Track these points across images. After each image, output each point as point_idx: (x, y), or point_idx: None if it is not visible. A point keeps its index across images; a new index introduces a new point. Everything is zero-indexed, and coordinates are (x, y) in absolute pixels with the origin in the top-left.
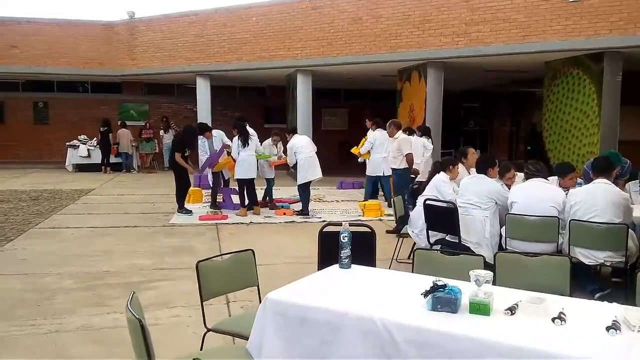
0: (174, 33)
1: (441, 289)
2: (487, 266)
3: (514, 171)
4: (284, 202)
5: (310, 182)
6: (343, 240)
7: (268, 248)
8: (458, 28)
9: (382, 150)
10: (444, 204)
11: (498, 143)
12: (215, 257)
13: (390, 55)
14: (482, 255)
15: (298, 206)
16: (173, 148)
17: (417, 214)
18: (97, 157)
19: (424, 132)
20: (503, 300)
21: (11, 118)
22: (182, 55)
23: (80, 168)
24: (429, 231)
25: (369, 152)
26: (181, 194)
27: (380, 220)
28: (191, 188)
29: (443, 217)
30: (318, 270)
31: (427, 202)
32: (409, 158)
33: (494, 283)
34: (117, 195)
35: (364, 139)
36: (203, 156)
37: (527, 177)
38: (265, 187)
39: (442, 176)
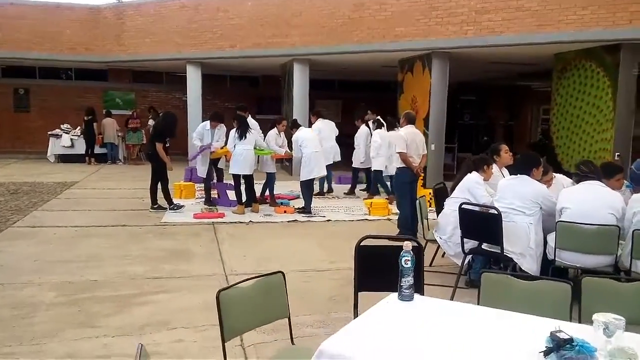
0: (165, 18)
1: (568, 346)
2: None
3: (552, 172)
4: (284, 198)
5: (314, 179)
6: (405, 265)
7: (272, 252)
8: (467, 16)
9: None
10: (483, 209)
11: (495, 137)
12: (238, 283)
13: (394, 44)
14: (568, 282)
15: (298, 203)
16: (153, 138)
17: (445, 219)
18: (80, 148)
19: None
20: None
21: None
22: (172, 41)
23: (62, 159)
24: (464, 239)
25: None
26: (166, 188)
27: (389, 219)
28: (182, 182)
29: (482, 224)
30: (355, 289)
31: (464, 206)
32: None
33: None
34: (103, 190)
35: None
36: (196, 141)
37: (579, 180)
38: (263, 182)
39: (474, 177)
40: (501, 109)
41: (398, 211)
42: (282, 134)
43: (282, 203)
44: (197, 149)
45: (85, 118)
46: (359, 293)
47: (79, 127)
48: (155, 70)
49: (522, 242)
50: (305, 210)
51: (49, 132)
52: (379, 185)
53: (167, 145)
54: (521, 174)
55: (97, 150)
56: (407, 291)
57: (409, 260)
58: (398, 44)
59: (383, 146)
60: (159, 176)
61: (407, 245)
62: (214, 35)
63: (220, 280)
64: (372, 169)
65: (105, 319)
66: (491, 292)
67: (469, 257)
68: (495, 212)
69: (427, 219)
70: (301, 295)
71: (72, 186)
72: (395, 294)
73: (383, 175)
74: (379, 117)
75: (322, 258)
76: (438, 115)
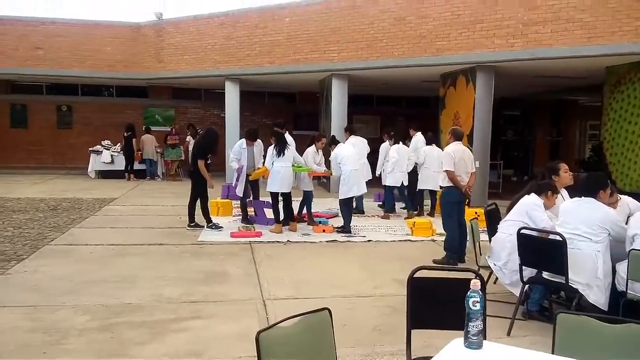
0: (203, 35)
1: None
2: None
3: (617, 194)
4: (322, 217)
5: (353, 197)
6: (473, 308)
7: (312, 275)
8: (514, 28)
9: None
10: (545, 235)
11: (540, 154)
12: (280, 322)
13: (436, 58)
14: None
15: (336, 221)
16: (196, 154)
17: (500, 244)
18: (120, 164)
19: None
20: None
21: (34, 122)
22: (211, 58)
23: (103, 175)
24: (522, 266)
25: None
26: (205, 207)
27: (434, 241)
28: (219, 200)
29: (544, 251)
30: (407, 326)
31: (523, 231)
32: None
33: None
34: (141, 206)
35: None
36: (233, 163)
37: None
38: (300, 200)
39: (534, 199)
40: (546, 125)
41: (444, 232)
42: (320, 151)
43: (320, 222)
44: (234, 170)
45: (125, 134)
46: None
47: (119, 144)
48: (194, 87)
49: (588, 271)
50: (345, 229)
51: (90, 149)
52: (385, 201)
53: (209, 162)
54: (586, 196)
55: (137, 166)
56: (475, 338)
57: (477, 301)
58: (441, 57)
59: (399, 162)
60: (199, 193)
61: (475, 284)
62: (252, 51)
63: (258, 305)
64: (385, 184)
65: (139, 348)
66: (568, 337)
67: (526, 286)
68: (560, 239)
69: (480, 242)
70: (343, 323)
71: (110, 202)
72: (459, 340)
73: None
74: (392, 132)
75: (364, 282)
76: (483, 131)
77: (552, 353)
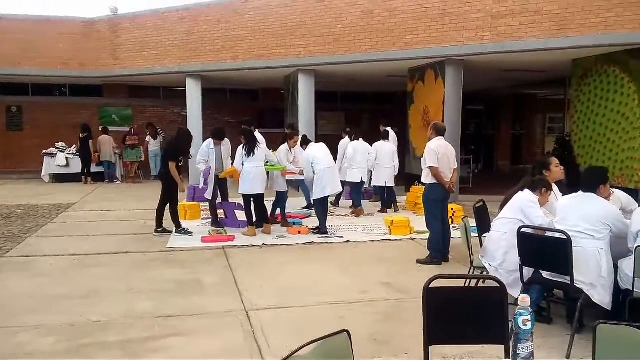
0: (162, 30)
1: None
2: (611, 316)
3: (610, 188)
4: (295, 217)
5: (327, 196)
6: (524, 328)
7: (293, 281)
8: (483, 21)
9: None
10: (542, 233)
11: (503, 148)
12: (297, 351)
13: (405, 52)
14: None
15: (310, 222)
16: (167, 156)
17: (495, 243)
18: (76, 167)
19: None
20: None
21: None
22: (171, 54)
23: (58, 178)
24: (523, 267)
25: None
26: (175, 211)
27: (412, 239)
28: (186, 202)
29: (547, 250)
30: (425, 342)
31: (524, 229)
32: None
33: None
34: (102, 211)
35: None
36: (200, 164)
37: None
38: (273, 201)
39: (529, 195)
40: (509, 119)
41: (427, 230)
42: (294, 150)
43: (294, 223)
44: (200, 172)
45: (81, 135)
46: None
47: (74, 145)
48: (153, 85)
49: (592, 270)
50: (321, 230)
51: (43, 151)
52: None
53: (181, 164)
54: (586, 191)
55: (94, 169)
56: None
57: (528, 320)
58: (410, 51)
59: (356, 157)
60: (169, 197)
61: (524, 299)
62: (214, 47)
63: (240, 317)
64: (347, 181)
65: None
66: (610, 350)
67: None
68: (564, 237)
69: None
70: (334, 331)
71: (68, 208)
72: None
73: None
74: (348, 129)
75: (350, 287)
76: (453, 126)
77: None
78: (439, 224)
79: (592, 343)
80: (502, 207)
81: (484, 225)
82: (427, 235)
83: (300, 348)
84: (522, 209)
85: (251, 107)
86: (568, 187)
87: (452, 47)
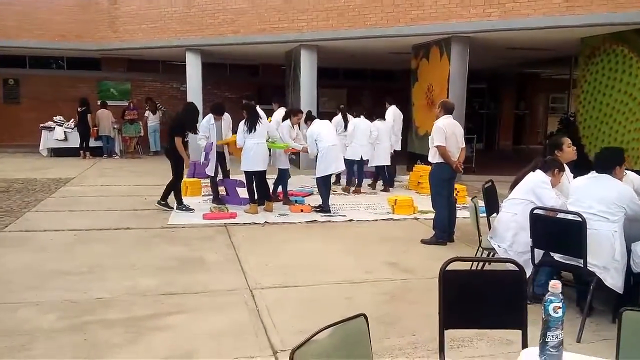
0: (162, 2)
1: None
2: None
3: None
4: (297, 195)
5: (331, 175)
6: (554, 315)
7: (297, 259)
8: None
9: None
10: (553, 214)
11: (505, 127)
12: (314, 335)
13: (411, 28)
14: None
15: (312, 199)
16: (173, 131)
17: (505, 224)
18: (74, 141)
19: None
20: None
21: None
22: (170, 27)
23: (56, 153)
24: (535, 249)
25: None
26: (177, 186)
27: (416, 219)
28: (186, 179)
29: (560, 233)
30: (440, 327)
31: (536, 211)
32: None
33: None
34: (101, 186)
35: None
36: (202, 141)
37: None
38: (275, 178)
39: (541, 176)
40: (512, 98)
41: (433, 209)
42: (296, 126)
43: (296, 201)
44: (202, 148)
45: (79, 109)
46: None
47: (72, 120)
48: (152, 59)
49: (605, 253)
50: (324, 208)
51: (41, 125)
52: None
53: (187, 140)
54: (601, 172)
55: (92, 143)
56: (554, 350)
57: (559, 307)
58: (416, 27)
59: (358, 135)
60: (179, 172)
61: (555, 286)
62: (215, 20)
63: (245, 295)
64: (346, 158)
65: (117, 351)
66: (634, 336)
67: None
68: (579, 219)
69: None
70: (343, 314)
71: (67, 183)
72: (530, 351)
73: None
74: (342, 105)
75: (354, 267)
76: (458, 104)
77: (617, 357)
78: (445, 203)
79: (601, 327)
80: (512, 187)
81: (492, 206)
82: (430, 215)
83: (317, 333)
84: (533, 190)
85: (251, 83)
86: (575, 169)
87: (459, 24)
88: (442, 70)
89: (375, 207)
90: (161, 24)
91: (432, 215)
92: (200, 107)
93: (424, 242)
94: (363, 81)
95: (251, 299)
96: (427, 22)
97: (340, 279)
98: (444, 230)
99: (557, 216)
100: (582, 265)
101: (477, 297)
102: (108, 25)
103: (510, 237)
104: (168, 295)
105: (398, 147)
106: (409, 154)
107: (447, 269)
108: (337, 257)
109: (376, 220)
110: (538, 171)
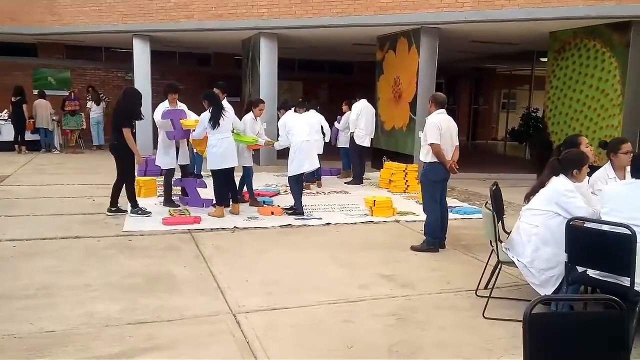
0: None
1: None
2: None
3: None
4: (263, 195)
5: (303, 174)
6: None
7: (280, 273)
8: None
9: None
10: (581, 223)
11: (461, 123)
12: None
13: (380, 17)
14: None
15: (281, 200)
16: (120, 123)
17: (524, 235)
18: (8, 134)
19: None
20: None
21: None
22: (116, 10)
23: None
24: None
25: None
26: (131, 187)
27: (397, 221)
28: (138, 177)
29: (603, 247)
30: None
31: (572, 222)
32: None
33: None
34: (41, 186)
35: None
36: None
37: None
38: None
39: (564, 184)
40: (467, 94)
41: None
42: (259, 119)
43: (264, 202)
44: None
45: (13, 99)
46: None
47: (5, 110)
48: (94, 45)
49: None
50: (297, 210)
51: None
52: None
53: (134, 131)
54: (637, 177)
55: (29, 136)
56: None
57: None
58: (385, 17)
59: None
60: (128, 169)
61: None
62: (166, 4)
63: (229, 323)
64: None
65: None
66: None
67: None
68: (629, 232)
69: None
70: (348, 344)
71: (1, 182)
72: None
73: None
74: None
75: (346, 281)
76: (427, 98)
77: None
78: (437, 207)
79: None
80: (528, 196)
81: (499, 211)
82: (412, 217)
83: None
84: (557, 202)
85: (201, 72)
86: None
87: (430, 14)
88: (411, 63)
89: (350, 209)
90: (106, 7)
91: (414, 217)
92: (148, 97)
93: (414, 249)
94: (320, 73)
95: (237, 327)
96: (396, 12)
97: (335, 297)
98: (435, 236)
99: (602, 228)
100: (627, 285)
101: (567, 344)
102: (46, 7)
103: (530, 252)
104: (136, 325)
105: (366, 144)
106: (374, 149)
107: (532, 312)
108: (324, 270)
109: (355, 223)
110: (561, 177)
